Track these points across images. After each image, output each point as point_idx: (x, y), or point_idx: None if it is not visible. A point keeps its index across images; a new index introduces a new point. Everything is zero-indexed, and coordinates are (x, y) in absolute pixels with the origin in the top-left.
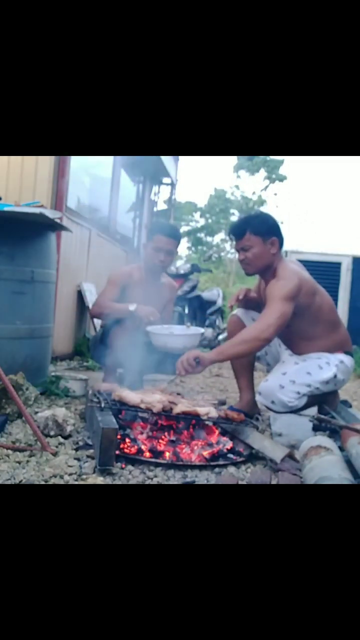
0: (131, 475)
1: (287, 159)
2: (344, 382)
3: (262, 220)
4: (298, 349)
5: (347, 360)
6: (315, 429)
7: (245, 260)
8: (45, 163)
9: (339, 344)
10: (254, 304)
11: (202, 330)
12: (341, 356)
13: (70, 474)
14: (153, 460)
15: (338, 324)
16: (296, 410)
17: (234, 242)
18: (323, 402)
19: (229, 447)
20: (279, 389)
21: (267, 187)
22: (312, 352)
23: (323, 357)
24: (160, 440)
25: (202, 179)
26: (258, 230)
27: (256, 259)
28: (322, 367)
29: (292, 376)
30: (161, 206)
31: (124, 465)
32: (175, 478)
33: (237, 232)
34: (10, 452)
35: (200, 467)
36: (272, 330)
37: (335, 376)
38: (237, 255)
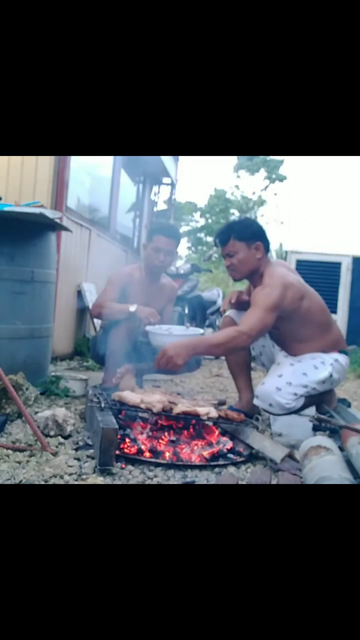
0: (131, 475)
1: (287, 159)
2: (339, 381)
3: (245, 225)
4: (292, 350)
5: (342, 359)
6: (315, 429)
7: (231, 266)
8: (45, 163)
9: (333, 344)
10: (246, 305)
11: (201, 331)
12: (336, 355)
13: (70, 474)
14: (153, 460)
15: (330, 324)
16: (294, 411)
17: (221, 249)
18: (320, 402)
19: (229, 447)
20: (276, 392)
21: (267, 187)
22: (306, 353)
23: (318, 357)
24: (160, 440)
25: (202, 179)
26: (241, 235)
27: (241, 265)
28: (317, 367)
29: (288, 378)
30: (161, 206)
31: (124, 465)
32: (175, 478)
33: (222, 238)
34: (10, 452)
35: (200, 467)
36: (246, 338)
37: (331, 375)
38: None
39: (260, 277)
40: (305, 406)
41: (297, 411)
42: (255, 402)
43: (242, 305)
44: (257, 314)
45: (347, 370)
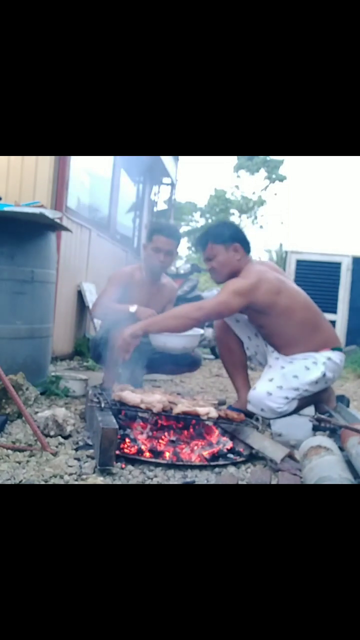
0: (131, 475)
1: (287, 159)
2: (334, 379)
3: (221, 228)
4: (283, 350)
5: (335, 356)
6: (315, 429)
7: (212, 270)
8: (45, 163)
9: (324, 342)
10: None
11: (201, 331)
12: (328, 353)
13: (70, 474)
14: (153, 460)
15: (319, 323)
16: (289, 413)
17: (200, 255)
18: (318, 401)
19: (229, 447)
20: (267, 397)
21: (267, 187)
22: (298, 353)
23: (310, 357)
24: (160, 440)
25: (202, 179)
26: (218, 239)
27: (221, 267)
28: (309, 367)
29: (278, 382)
30: (161, 206)
31: (124, 465)
32: (175, 478)
33: (200, 243)
34: (10, 452)
35: (200, 467)
36: (203, 313)
37: (324, 375)
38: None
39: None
40: (299, 408)
41: (291, 413)
42: (248, 407)
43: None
44: (221, 296)
45: (342, 367)
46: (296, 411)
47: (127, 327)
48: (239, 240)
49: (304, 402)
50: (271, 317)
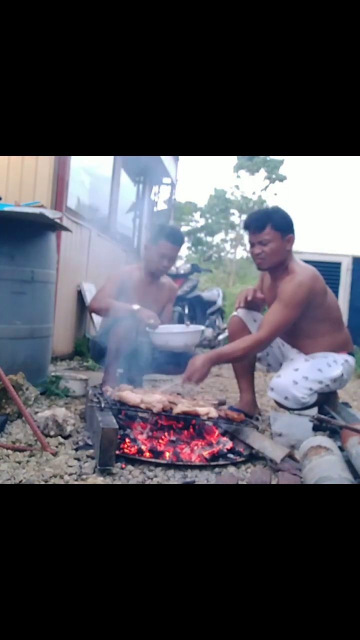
0: (131, 475)
1: (287, 159)
2: (346, 382)
3: (283, 215)
4: (303, 348)
5: (351, 360)
6: (315, 429)
7: (261, 255)
8: (45, 163)
9: (343, 344)
10: (256, 304)
11: (202, 327)
12: (346, 356)
13: (70, 474)
14: (153, 460)
15: (342, 324)
16: (305, 408)
17: (250, 235)
18: (325, 403)
19: (229, 447)
20: (293, 385)
21: (267, 187)
22: (318, 352)
23: (330, 356)
24: (160, 440)
25: (202, 179)
26: (279, 225)
27: (272, 255)
28: (330, 365)
29: (304, 372)
30: (161, 206)
31: (124, 465)
32: (175, 478)
33: (257, 224)
34: (10, 452)
35: (200, 467)
36: (265, 343)
37: (342, 375)
38: (250, 248)
39: (285, 269)
40: (315, 404)
41: (308, 408)
42: (270, 394)
43: (252, 304)
44: (283, 313)
45: (353, 372)
46: (312, 407)
47: (197, 357)
48: (293, 232)
49: (319, 398)
50: (310, 315)
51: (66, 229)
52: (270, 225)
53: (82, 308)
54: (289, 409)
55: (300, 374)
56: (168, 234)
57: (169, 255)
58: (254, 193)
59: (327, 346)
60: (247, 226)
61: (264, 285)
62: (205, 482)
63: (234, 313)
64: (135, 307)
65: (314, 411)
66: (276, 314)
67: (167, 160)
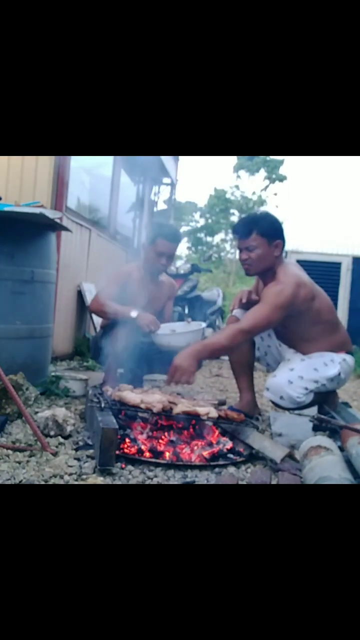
0: (131, 475)
1: (287, 159)
2: (345, 382)
3: (269, 222)
4: (300, 349)
5: (350, 359)
6: (315, 429)
7: (247, 261)
8: (45, 163)
9: (340, 345)
10: (251, 306)
11: (203, 324)
12: (344, 355)
13: (70, 474)
14: (153, 460)
15: (337, 325)
16: (301, 407)
17: (237, 240)
18: (324, 402)
19: (229, 447)
20: (288, 385)
21: (267, 187)
22: (315, 352)
23: (327, 355)
24: (160, 440)
25: (202, 179)
26: (265, 231)
27: (259, 261)
28: (327, 364)
29: (300, 372)
30: (161, 206)
31: (124, 465)
32: (175, 478)
33: (244, 230)
34: (10, 452)
35: (200, 467)
36: (246, 336)
37: (339, 374)
38: (237, 254)
39: (273, 275)
40: (312, 403)
41: (305, 407)
42: (266, 394)
43: (251, 305)
44: (263, 311)
45: (352, 371)
46: (308, 406)
47: (179, 355)
48: (282, 237)
49: (317, 398)
50: (301, 320)
51: (66, 229)
52: (257, 232)
53: (82, 308)
54: (285, 409)
55: (295, 373)
56: (165, 232)
57: (166, 253)
58: (254, 193)
59: (324, 347)
60: (235, 232)
61: (259, 287)
62: (205, 482)
63: (232, 313)
64: (134, 313)
65: (313, 411)
66: (258, 310)
67: (167, 160)
